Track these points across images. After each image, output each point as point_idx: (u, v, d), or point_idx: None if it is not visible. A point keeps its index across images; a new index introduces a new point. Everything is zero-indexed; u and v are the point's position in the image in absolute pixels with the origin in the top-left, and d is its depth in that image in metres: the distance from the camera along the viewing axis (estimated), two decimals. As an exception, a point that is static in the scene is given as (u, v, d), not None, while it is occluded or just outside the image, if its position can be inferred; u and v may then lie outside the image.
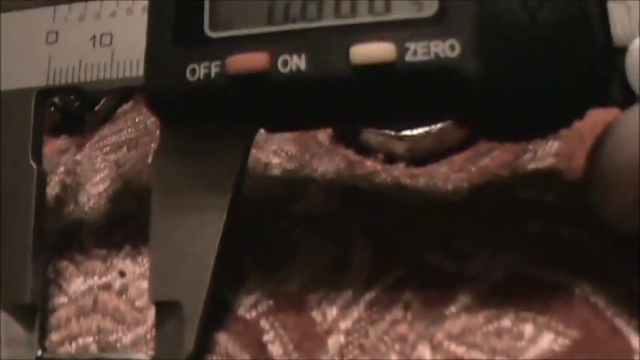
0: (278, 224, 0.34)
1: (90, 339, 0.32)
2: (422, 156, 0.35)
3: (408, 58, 0.26)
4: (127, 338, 0.32)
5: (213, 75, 0.27)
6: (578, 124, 0.26)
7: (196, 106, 0.28)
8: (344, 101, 0.27)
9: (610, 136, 0.26)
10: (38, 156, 0.31)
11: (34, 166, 0.31)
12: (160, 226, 0.29)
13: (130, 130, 0.41)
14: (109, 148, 0.40)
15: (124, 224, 0.36)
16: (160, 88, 0.28)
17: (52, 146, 0.41)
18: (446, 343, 0.28)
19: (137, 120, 0.41)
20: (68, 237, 0.36)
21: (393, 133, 0.35)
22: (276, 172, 0.36)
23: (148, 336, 0.31)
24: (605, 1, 0.26)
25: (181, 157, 0.29)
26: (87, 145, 0.41)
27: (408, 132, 0.35)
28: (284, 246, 0.33)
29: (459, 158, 0.35)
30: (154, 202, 0.30)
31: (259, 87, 0.27)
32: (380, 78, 0.26)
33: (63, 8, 0.32)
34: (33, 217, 0.31)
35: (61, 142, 0.42)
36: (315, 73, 0.27)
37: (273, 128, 0.30)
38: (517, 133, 0.28)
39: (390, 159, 0.36)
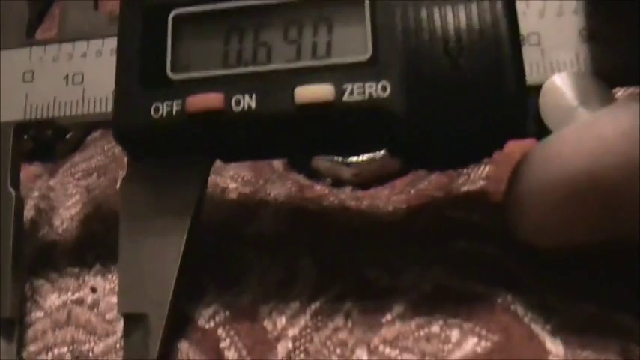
0: (232, 244, 0.35)
1: (65, 349, 0.34)
2: (367, 180, 0.37)
3: (346, 97, 0.28)
4: (99, 348, 0.33)
5: (174, 113, 0.29)
6: (509, 150, 0.28)
7: (159, 140, 0.30)
8: (290, 136, 0.29)
9: (525, 164, 0.27)
10: (16, 183, 0.33)
11: (13, 192, 0.33)
12: (128, 247, 0.31)
13: (99, 157, 0.42)
14: (80, 175, 0.41)
15: (94, 245, 0.37)
16: (127, 124, 0.30)
17: (26, 172, 0.41)
18: (381, 347, 0.30)
19: (106, 148, 0.42)
20: (43, 257, 0.37)
21: (340, 159, 0.37)
22: (232, 196, 0.37)
23: (118, 345, 0.33)
24: (520, 45, 0.28)
25: (146, 186, 0.31)
26: (59, 172, 0.42)
27: (354, 158, 0.36)
28: (238, 264, 0.34)
29: (400, 182, 0.36)
30: (122, 226, 0.31)
31: (215, 124, 0.29)
32: (321, 116, 0.28)
33: (38, 49, 0.34)
34: (12, 239, 0.32)
35: (35, 168, 0.43)
36: (264, 112, 0.28)
37: (228, 159, 0.32)
38: (441, 164, 0.30)
39: (338, 183, 0.37)
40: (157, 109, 0.29)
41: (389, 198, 0.36)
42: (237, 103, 0.29)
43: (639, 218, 0.25)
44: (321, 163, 0.38)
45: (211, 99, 0.29)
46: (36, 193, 0.41)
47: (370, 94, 0.28)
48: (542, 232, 0.28)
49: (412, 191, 0.36)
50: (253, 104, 0.29)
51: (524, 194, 0.28)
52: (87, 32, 0.34)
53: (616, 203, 0.25)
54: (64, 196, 0.41)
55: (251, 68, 0.29)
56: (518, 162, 0.28)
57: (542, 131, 0.28)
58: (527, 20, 0.29)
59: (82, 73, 0.33)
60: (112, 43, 0.32)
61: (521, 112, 0.27)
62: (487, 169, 0.36)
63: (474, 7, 0.28)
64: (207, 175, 0.32)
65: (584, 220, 0.27)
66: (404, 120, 0.28)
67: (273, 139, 0.30)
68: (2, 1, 0.36)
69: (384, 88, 0.28)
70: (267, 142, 0.30)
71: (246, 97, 0.29)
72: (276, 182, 0.38)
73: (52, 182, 0.42)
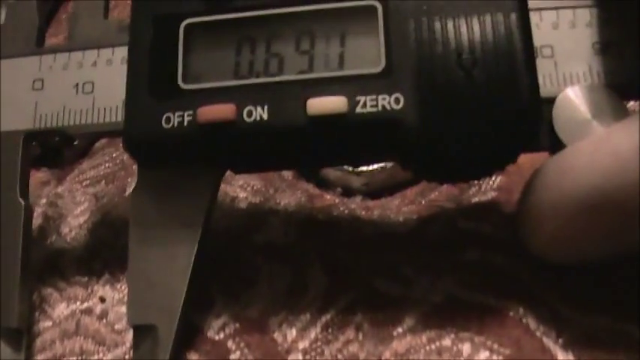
0: (242, 253, 0.35)
1: (73, 359, 0.33)
2: (377, 190, 0.37)
3: (359, 109, 0.28)
4: (108, 358, 0.33)
5: (185, 123, 0.29)
6: (520, 161, 0.28)
7: (170, 150, 0.30)
8: (301, 147, 0.29)
9: (538, 178, 0.28)
10: (25, 192, 0.33)
11: (22, 202, 0.33)
12: (137, 257, 0.31)
13: (107, 164, 0.42)
14: (88, 182, 0.42)
15: (103, 253, 0.37)
16: (138, 134, 0.30)
17: (33, 178, 0.40)
18: (393, 361, 0.30)
19: (114, 155, 0.42)
20: (52, 265, 0.37)
21: (350, 168, 0.37)
22: (242, 205, 0.37)
23: (127, 356, 0.33)
24: (534, 57, 0.28)
25: (157, 196, 0.31)
26: (67, 179, 0.42)
27: (364, 168, 0.36)
28: (247, 273, 0.34)
29: (410, 192, 0.36)
30: (132, 235, 0.31)
31: (226, 135, 0.29)
32: (333, 127, 0.28)
33: (48, 58, 0.34)
34: (20, 248, 0.32)
35: (42, 174, 0.43)
36: (276, 123, 0.28)
37: (239, 170, 0.32)
38: (453, 177, 0.30)
39: (348, 193, 0.37)
40: (168, 120, 0.29)
41: (399, 208, 0.36)
42: (249, 114, 0.29)
43: None
44: (331, 172, 0.38)
45: (223, 110, 0.29)
46: (43, 200, 0.41)
47: (383, 107, 0.28)
48: (553, 246, 0.28)
49: (423, 201, 0.36)
50: (265, 115, 0.29)
51: (536, 207, 0.28)
52: (97, 41, 0.34)
53: (630, 219, 0.25)
54: (72, 204, 0.41)
55: (263, 79, 0.29)
56: (531, 175, 0.28)
57: (555, 144, 0.28)
58: (541, 32, 0.29)
59: (92, 82, 0.33)
60: (122, 51, 0.32)
61: (534, 124, 0.28)
62: (498, 179, 0.36)
63: (487, 18, 0.28)
64: (218, 185, 0.32)
65: (597, 234, 0.27)
66: (417, 132, 0.28)
67: (285, 151, 0.30)
68: (12, 9, 0.36)
69: (397, 101, 0.28)
70: (278, 153, 0.30)
71: (258, 108, 0.29)
72: (286, 191, 0.38)
73: (59, 189, 0.42)
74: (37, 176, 0.43)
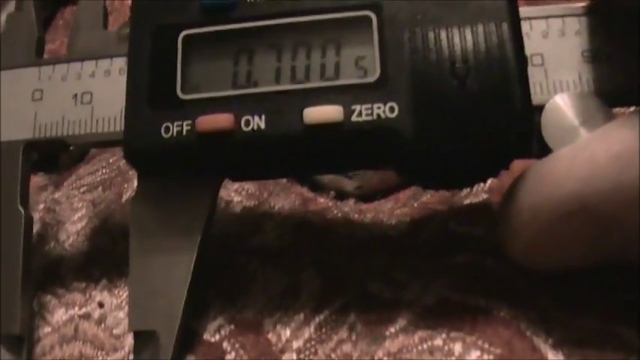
0: (237, 257, 0.35)
1: None
2: (370, 193, 0.37)
3: (354, 118, 0.28)
4: None
5: (184, 133, 0.29)
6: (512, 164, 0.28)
7: (170, 159, 0.30)
8: (298, 156, 0.30)
9: (519, 182, 0.28)
10: (25, 201, 0.33)
11: (22, 211, 0.33)
12: (138, 264, 0.31)
13: (104, 170, 0.42)
14: (85, 188, 0.42)
15: (100, 260, 0.37)
16: (138, 143, 0.30)
17: (30, 183, 0.42)
18: (385, 360, 0.30)
19: (111, 161, 0.43)
20: (50, 272, 0.38)
21: None
22: (236, 209, 0.38)
23: None
24: (526, 65, 0.28)
25: (156, 204, 0.31)
26: (64, 184, 0.42)
27: (357, 171, 0.37)
28: (242, 276, 0.34)
29: (403, 195, 0.37)
30: (133, 243, 0.31)
31: (225, 144, 0.29)
32: (329, 136, 0.29)
33: (47, 69, 0.34)
34: (21, 256, 0.33)
35: (39, 179, 0.43)
36: (273, 132, 0.29)
37: (238, 178, 0.33)
38: (448, 184, 0.30)
39: (341, 196, 0.37)
40: (167, 129, 0.30)
41: (392, 211, 0.36)
42: (247, 123, 0.29)
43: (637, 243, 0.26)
44: (324, 176, 0.38)
45: (221, 119, 0.29)
46: (41, 206, 0.41)
47: (378, 115, 0.28)
48: (531, 253, 0.29)
49: (415, 204, 0.36)
50: (263, 125, 0.29)
51: (516, 212, 0.28)
52: (95, 51, 0.34)
53: (606, 227, 0.26)
54: (69, 210, 0.41)
55: (260, 89, 0.30)
56: (512, 181, 0.29)
57: (544, 151, 0.28)
58: (531, 41, 0.29)
59: (90, 93, 0.33)
60: (120, 62, 0.33)
61: (527, 132, 0.28)
62: (489, 181, 0.35)
63: (480, 28, 0.28)
64: (217, 193, 0.32)
65: (573, 242, 0.27)
66: (411, 140, 0.28)
67: (282, 159, 0.30)
68: (12, 20, 0.36)
69: (391, 109, 0.28)
70: (276, 162, 0.31)
71: (256, 117, 0.29)
72: (279, 195, 0.38)
73: (57, 195, 0.42)
74: (35, 181, 0.43)
